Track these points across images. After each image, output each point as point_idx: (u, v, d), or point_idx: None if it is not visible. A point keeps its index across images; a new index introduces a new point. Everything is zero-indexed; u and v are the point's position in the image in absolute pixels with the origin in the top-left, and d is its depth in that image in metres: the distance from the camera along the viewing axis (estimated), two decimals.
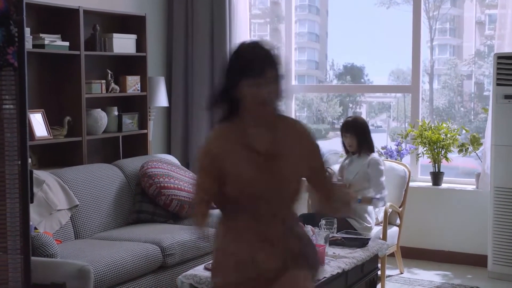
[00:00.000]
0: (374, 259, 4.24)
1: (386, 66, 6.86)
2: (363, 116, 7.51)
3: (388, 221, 4.90)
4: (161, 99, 5.82)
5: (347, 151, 5.00)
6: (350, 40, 6.79)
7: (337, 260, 3.83)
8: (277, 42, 6.93)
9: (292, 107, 6.34)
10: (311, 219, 4.51)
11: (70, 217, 4.52)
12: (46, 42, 4.83)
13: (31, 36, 4.74)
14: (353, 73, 7.15)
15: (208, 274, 3.54)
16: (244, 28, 6.09)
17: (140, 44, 5.62)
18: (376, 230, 4.90)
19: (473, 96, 6.80)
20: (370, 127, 5.01)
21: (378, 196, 4.72)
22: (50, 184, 4.42)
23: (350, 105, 7.53)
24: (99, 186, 4.81)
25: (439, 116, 6.27)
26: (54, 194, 4.40)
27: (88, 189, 4.72)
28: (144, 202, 4.97)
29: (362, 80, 6.97)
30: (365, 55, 6.80)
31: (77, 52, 5.02)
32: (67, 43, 4.99)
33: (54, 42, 4.90)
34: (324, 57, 7.38)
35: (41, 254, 3.71)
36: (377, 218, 4.99)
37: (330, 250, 3.98)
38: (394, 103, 7.47)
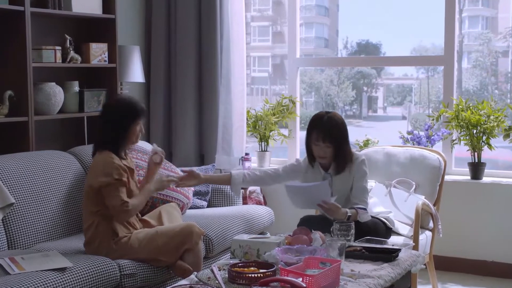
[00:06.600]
0: (406, 276, 3.38)
1: (407, 43, 6.44)
2: (380, 101, 7.05)
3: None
4: (136, 73, 5.30)
5: (311, 160, 3.85)
6: (365, 14, 6.40)
7: (357, 281, 2.96)
8: (280, 16, 6.51)
9: (297, 91, 5.78)
10: (320, 223, 3.70)
11: (2, 220, 3.70)
12: None
13: None
14: (368, 51, 6.74)
15: None
16: None
17: (108, 4, 5.02)
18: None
19: (510, 77, 6.40)
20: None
21: (363, 206, 3.76)
22: None
23: (365, 88, 7.12)
24: (45, 179, 4.00)
25: (470, 99, 5.63)
26: None
27: (30, 183, 3.91)
28: None
29: None
30: (382, 31, 6.42)
31: (20, 8, 4.31)
32: None
33: None
34: (334, 33, 7.00)
35: None
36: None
37: (347, 267, 3.12)
38: (416, 86, 7.02)
